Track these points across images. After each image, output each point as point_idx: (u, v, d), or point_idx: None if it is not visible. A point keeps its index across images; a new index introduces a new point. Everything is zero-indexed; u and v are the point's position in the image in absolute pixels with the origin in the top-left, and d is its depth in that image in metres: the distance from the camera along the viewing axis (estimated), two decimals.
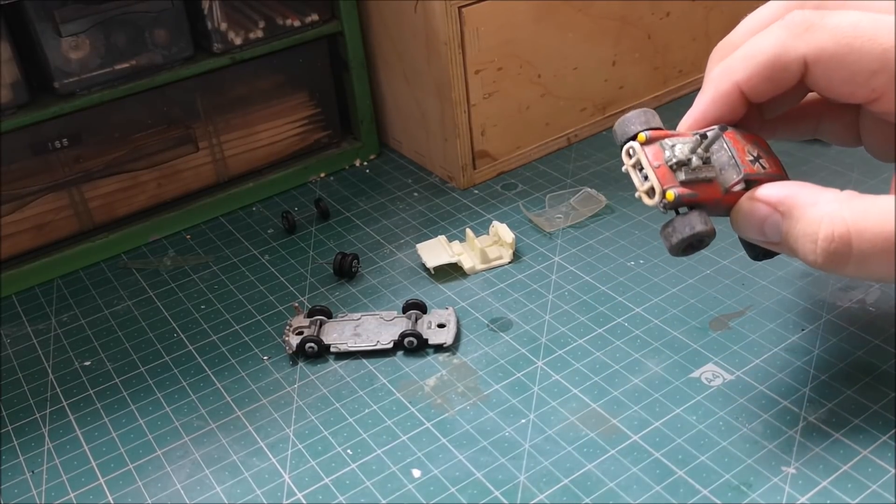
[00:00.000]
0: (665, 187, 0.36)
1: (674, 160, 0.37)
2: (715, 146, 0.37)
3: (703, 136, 0.37)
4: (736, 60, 0.37)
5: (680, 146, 0.37)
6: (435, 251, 0.54)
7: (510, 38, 0.59)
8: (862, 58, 0.34)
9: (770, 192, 0.36)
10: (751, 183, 0.37)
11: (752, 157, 0.38)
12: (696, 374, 0.44)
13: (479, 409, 0.43)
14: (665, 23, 0.67)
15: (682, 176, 0.37)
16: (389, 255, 0.56)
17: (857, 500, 0.37)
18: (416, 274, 0.54)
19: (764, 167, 0.38)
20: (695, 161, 0.37)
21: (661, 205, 0.37)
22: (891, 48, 0.33)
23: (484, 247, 0.54)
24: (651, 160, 0.37)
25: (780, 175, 0.38)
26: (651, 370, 0.44)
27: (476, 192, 0.62)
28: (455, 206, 0.60)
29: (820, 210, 0.34)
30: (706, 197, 0.37)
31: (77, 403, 0.46)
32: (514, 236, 0.54)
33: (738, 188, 0.37)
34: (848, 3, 0.36)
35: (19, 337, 0.52)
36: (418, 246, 0.55)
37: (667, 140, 0.37)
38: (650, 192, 0.37)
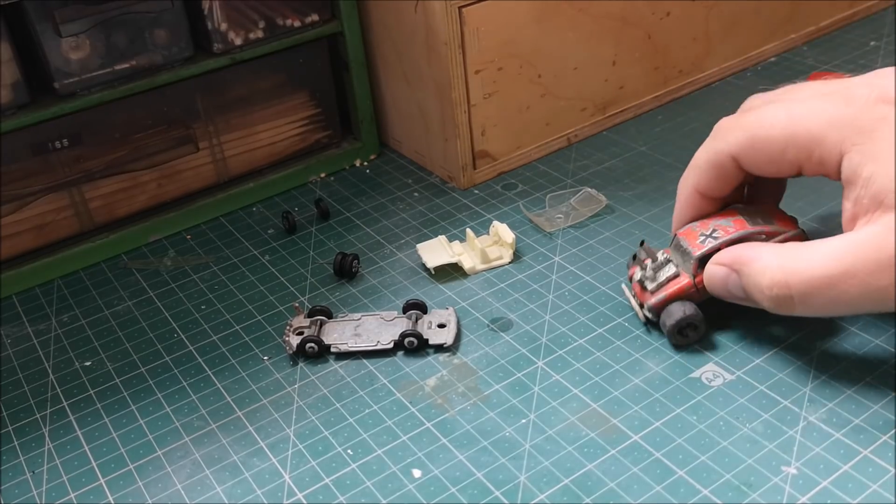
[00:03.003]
0: (640, 302, 0.47)
1: (639, 277, 0.47)
2: (676, 245, 0.46)
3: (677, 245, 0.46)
4: (688, 171, 0.46)
5: (649, 263, 0.46)
6: (435, 251, 0.54)
7: (510, 38, 0.59)
8: (769, 141, 0.41)
9: (722, 256, 0.43)
10: (707, 258, 0.44)
11: (702, 238, 0.45)
12: (696, 373, 0.44)
13: (480, 409, 0.43)
14: (665, 23, 0.67)
15: (650, 286, 0.46)
16: (390, 256, 0.56)
17: (857, 500, 0.37)
18: (416, 274, 0.54)
19: (715, 238, 0.44)
20: (649, 272, 0.46)
21: (644, 317, 0.47)
22: (789, 126, 0.41)
23: (484, 247, 0.54)
24: (632, 286, 0.48)
25: (744, 234, 0.44)
26: (651, 370, 0.44)
27: (476, 192, 0.62)
28: (455, 206, 0.60)
29: (761, 263, 0.40)
30: (679, 290, 0.45)
31: (77, 404, 0.46)
32: (514, 236, 0.54)
33: (698, 270, 0.44)
34: (762, 103, 0.44)
35: (20, 337, 0.52)
36: (418, 246, 0.55)
37: (647, 262, 0.47)
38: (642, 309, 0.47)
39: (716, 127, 0.45)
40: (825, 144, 0.39)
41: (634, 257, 0.48)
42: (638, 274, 0.47)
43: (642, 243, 0.47)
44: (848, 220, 0.39)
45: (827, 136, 0.39)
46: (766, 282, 0.40)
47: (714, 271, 0.43)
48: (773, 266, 0.40)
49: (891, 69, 0.41)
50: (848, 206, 0.39)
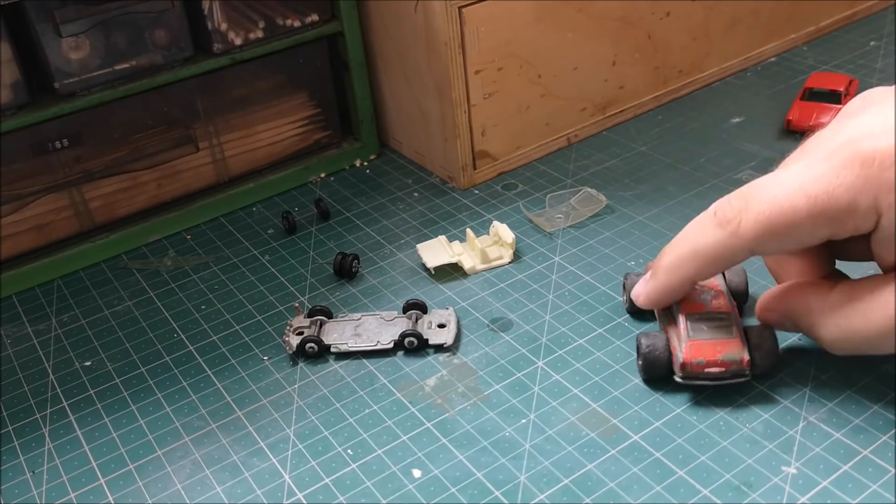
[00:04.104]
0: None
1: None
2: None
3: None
4: (684, 257, 0.42)
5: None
6: (435, 251, 0.54)
7: (510, 38, 0.59)
8: (793, 228, 0.38)
9: (771, 302, 0.43)
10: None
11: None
12: None
13: (480, 409, 0.43)
14: (665, 23, 0.67)
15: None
16: (390, 256, 0.56)
17: (857, 500, 0.37)
18: (416, 274, 0.54)
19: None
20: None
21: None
22: (813, 208, 0.37)
23: (484, 247, 0.54)
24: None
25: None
26: None
27: (476, 192, 0.62)
28: (455, 206, 0.60)
29: (816, 318, 0.41)
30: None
31: (77, 404, 0.46)
32: (514, 236, 0.54)
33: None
34: (765, 181, 0.39)
35: (20, 337, 0.52)
36: (418, 246, 0.55)
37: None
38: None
39: (720, 214, 0.40)
40: (858, 213, 0.36)
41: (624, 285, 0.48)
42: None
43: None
44: (888, 267, 0.38)
45: (858, 205, 0.36)
46: (826, 337, 0.40)
47: (766, 318, 0.44)
48: (831, 327, 0.40)
49: (880, 90, 0.40)
50: (885, 256, 0.38)
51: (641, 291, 0.44)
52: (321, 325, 0.49)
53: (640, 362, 0.43)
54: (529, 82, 0.62)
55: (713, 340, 0.42)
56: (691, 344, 0.42)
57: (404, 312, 0.50)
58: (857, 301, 0.39)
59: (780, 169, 0.40)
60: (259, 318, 0.51)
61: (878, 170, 0.35)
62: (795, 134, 0.62)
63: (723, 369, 0.41)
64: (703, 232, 0.41)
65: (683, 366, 0.41)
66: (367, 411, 0.44)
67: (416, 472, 0.40)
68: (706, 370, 0.41)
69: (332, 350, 0.48)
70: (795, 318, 0.42)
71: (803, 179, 0.37)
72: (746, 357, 0.41)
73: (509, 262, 0.54)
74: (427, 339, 0.47)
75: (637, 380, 0.44)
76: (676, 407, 0.42)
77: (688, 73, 0.71)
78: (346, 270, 0.54)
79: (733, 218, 0.39)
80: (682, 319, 0.43)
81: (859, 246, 0.39)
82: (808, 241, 0.38)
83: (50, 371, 0.49)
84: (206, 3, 0.57)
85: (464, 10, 0.56)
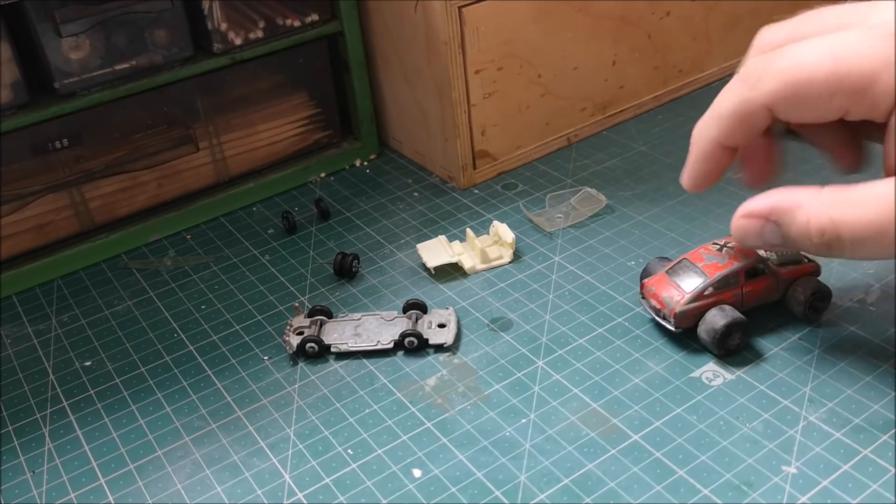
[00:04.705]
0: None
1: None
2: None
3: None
4: (708, 120, 0.41)
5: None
6: (435, 251, 0.54)
7: (510, 38, 0.59)
8: (814, 88, 0.37)
9: (755, 206, 0.40)
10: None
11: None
12: (696, 373, 0.44)
13: (480, 409, 0.43)
14: (665, 23, 0.67)
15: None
16: (390, 255, 0.56)
17: (857, 500, 0.37)
18: (416, 274, 0.54)
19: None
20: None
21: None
22: (837, 70, 0.36)
23: (484, 247, 0.54)
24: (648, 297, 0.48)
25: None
26: (651, 370, 0.44)
27: (476, 191, 0.62)
28: (455, 206, 0.60)
29: (805, 212, 0.38)
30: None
31: (77, 404, 0.46)
32: (514, 236, 0.54)
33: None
34: (786, 38, 0.39)
35: (20, 337, 0.52)
36: (418, 246, 0.55)
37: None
38: None
39: (742, 72, 0.40)
40: (878, 86, 0.36)
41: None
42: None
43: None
44: (892, 165, 0.37)
45: (880, 77, 0.35)
46: (814, 231, 0.37)
47: (748, 226, 0.40)
48: (821, 216, 0.37)
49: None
50: (892, 150, 0.37)
51: (682, 174, 0.44)
52: (321, 325, 0.49)
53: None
54: (529, 82, 0.62)
55: (673, 282, 0.45)
56: (661, 276, 0.46)
57: (404, 312, 0.50)
58: (852, 195, 0.37)
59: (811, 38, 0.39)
60: (259, 318, 0.51)
61: None
62: (795, 134, 0.62)
63: (659, 307, 0.45)
64: (727, 90, 0.40)
65: (642, 286, 0.47)
66: (367, 411, 0.44)
67: (417, 472, 0.40)
68: (649, 299, 0.46)
69: (333, 350, 0.48)
70: (780, 215, 0.39)
71: (833, 43, 0.37)
72: (678, 310, 0.44)
73: (509, 262, 0.54)
74: (427, 339, 0.47)
75: (637, 380, 0.44)
76: (676, 407, 0.42)
77: (688, 73, 0.71)
78: (346, 270, 0.54)
79: (755, 72, 0.39)
80: (678, 258, 0.47)
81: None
82: (823, 110, 0.37)
83: (50, 371, 0.49)
84: (206, 3, 0.57)
85: (464, 9, 0.56)
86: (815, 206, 0.38)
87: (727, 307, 0.44)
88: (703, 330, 0.44)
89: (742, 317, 0.44)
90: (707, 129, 0.41)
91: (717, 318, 0.44)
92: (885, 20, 0.36)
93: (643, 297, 0.47)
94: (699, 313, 0.44)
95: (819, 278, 0.46)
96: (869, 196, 0.36)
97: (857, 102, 0.37)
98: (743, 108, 0.39)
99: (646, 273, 0.48)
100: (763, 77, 0.38)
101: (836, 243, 0.37)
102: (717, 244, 0.46)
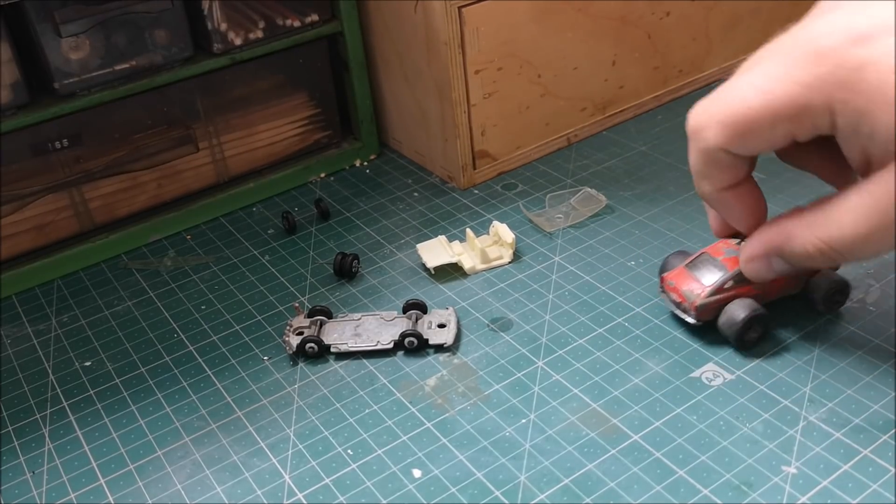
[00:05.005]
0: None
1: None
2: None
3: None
4: (697, 181, 0.43)
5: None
6: (435, 251, 0.54)
7: (510, 38, 0.59)
8: (753, 124, 0.38)
9: (752, 250, 0.42)
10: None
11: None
12: (696, 373, 0.44)
13: (480, 409, 0.43)
14: (665, 23, 0.67)
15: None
16: (389, 256, 0.56)
17: (857, 500, 0.37)
18: (416, 274, 0.54)
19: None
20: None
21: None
22: (765, 104, 0.37)
23: (484, 247, 0.54)
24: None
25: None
26: (651, 370, 0.44)
27: (476, 192, 0.62)
28: (455, 206, 0.60)
29: (798, 241, 0.40)
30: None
31: (77, 404, 0.46)
32: (514, 236, 0.54)
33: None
34: (725, 86, 0.40)
35: (20, 337, 0.52)
36: (418, 246, 0.55)
37: None
38: None
39: (688, 127, 0.41)
40: (812, 111, 0.36)
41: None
42: None
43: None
44: (862, 170, 0.38)
45: (811, 102, 0.36)
46: (812, 252, 0.39)
47: (755, 266, 0.43)
48: (811, 240, 0.39)
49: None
50: (856, 157, 0.37)
51: (711, 227, 0.47)
52: (321, 325, 0.49)
53: None
54: (529, 82, 0.62)
55: (693, 276, 0.46)
56: (681, 269, 0.46)
57: (404, 312, 0.50)
58: (830, 213, 0.38)
59: (739, 73, 0.40)
60: (259, 318, 0.51)
61: (831, 67, 0.35)
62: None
63: (680, 300, 0.46)
64: (689, 150, 0.42)
65: (662, 279, 0.47)
66: (367, 411, 0.44)
67: (417, 472, 0.40)
68: (670, 293, 0.46)
69: (332, 350, 0.48)
70: (780, 249, 0.41)
71: (758, 79, 0.38)
72: (699, 303, 0.44)
73: (509, 262, 0.54)
74: (427, 339, 0.47)
75: (637, 380, 0.44)
76: (676, 407, 0.42)
77: (688, 73, 0.71)
78: (346, 270, 0.54)
79: (696, 125, 0.40)
80: (698, 252, 0.47)
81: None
82: (772, 139, 0.38)
83: (50, 371, 0.49)
84: (206, 3, 0.57)
85: (463, 9, 0.56)
86: (805, 233, 0.39)
87: (748, 300, 0.44)
88: (723, 322, 0.44)
89: (763, 309, 0.44)
90: (701, 188, 0.43)
91: (738, 311, 0.44)
92: (824, 45, 0.36)
93: (663, 291, 0.47)
94: (719, 306, 0.45)
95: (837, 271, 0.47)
96: (845, 210, 0.38)
97: (799, 125, 0.37)
98: (706, 158, 0.41)
99: (664, 267, 0.48)
100: (704, 128, 0.40)
101: (837, 256, 0.39)
102: (737, 238, 0.46)
